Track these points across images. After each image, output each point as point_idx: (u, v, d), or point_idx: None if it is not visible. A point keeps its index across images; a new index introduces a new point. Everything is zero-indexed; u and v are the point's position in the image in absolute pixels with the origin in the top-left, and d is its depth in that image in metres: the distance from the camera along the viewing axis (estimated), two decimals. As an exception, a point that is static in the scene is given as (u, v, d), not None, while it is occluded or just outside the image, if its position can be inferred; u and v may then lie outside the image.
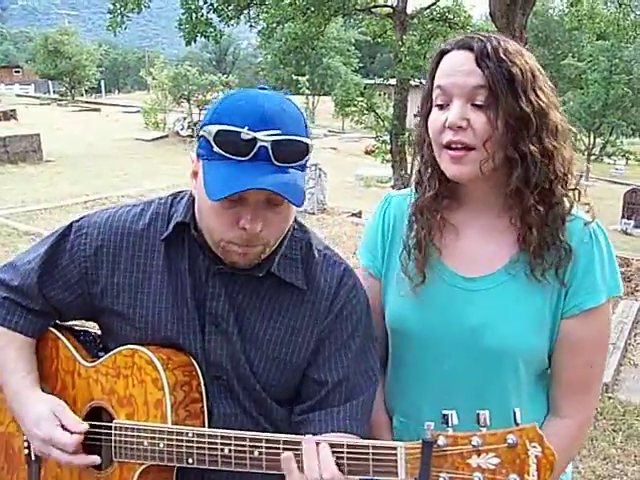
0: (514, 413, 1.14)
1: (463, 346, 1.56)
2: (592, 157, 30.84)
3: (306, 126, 1.40)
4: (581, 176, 1.58)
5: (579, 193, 1.54)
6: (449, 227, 1.60)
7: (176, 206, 1.54)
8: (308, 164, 1.42)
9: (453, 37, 1.55)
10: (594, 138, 31.91)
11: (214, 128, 1.33)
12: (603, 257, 1.52)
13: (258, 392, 1.51)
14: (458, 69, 1.46)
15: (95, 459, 1.45)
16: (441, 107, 1.49)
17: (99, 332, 1.66)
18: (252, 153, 1.30)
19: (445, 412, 1.17)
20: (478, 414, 1.15)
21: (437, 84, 1.50)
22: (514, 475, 1.12)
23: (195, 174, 1.42)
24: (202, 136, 1.37)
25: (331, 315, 1.52)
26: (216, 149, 1.33)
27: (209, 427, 1.47)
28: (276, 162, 1.31)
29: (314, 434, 1.41)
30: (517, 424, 1.13)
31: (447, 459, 1.16)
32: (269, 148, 1.30)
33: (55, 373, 1.60)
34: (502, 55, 1.44)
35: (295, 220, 1.56)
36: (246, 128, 1.30)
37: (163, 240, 1.51)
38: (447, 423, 1.17)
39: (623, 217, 15.39)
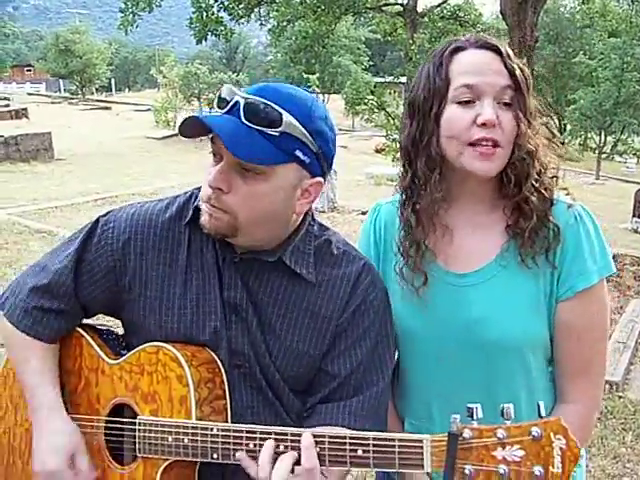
0: (538, 406, 1.15)
1: (464, 343, 1.58)
2: (603, 156, 30.66)
3: (310, 119, 1.40)
4: (558, 169, 1.62)
5: (556, 179, 1.59)
6: (445, 229, 1.62)
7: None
8: (300, 156, 1.40)
9: (463, 35, 1.57)
10: (605, 136, 31.73)
11: None
12: (590, 237, 1.54)
13: (277, 381, 1.52)
14: (488, 68, 1.50)
15: None
16: (462, 104, 1.50)
17: (122, 331, 1.67)
18: (228, 107, 1.39)
19: (470, 405, 1.18)
20: (502, 407, 1.16)
21: (464, 82, 1.50)
22: (538, 467, 1.13)
23: None
24: None
25: (349, 310, 1.53)
26: (214, 108, 1.43)
27: (232, 420, 1.48)
28: (245, 120, 1.36)
29: (315, 426, 1.45)
30: (541, 417, 1.14)
31: (472, 452, 1.17)
32: (241, 105, 1.36)
33: (79, 371, 1.61)
34: (515, 58, 1.52)
35: (313, 218, 1.58)
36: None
37: (186, 226, 1.53)
38: (472, 416, 1.18)
39: (634, 216, 15.28)
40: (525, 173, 1.52)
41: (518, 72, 1.50)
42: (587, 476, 3.83)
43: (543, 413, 1.14)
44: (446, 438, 1.19)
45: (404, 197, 1.63)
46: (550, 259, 1.53)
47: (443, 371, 1.62)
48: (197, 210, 1.50)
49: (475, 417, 1.18)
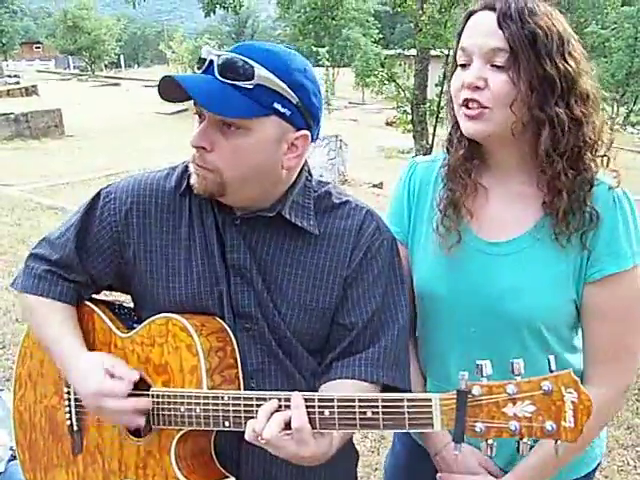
0: (549, 361, 1.14)
1: (488, 311, 1.57)
2: (615, 126, 30.37)
3: (287, 71, 1.40)
4: (611, 143, 1.55)
5: (608, 160, 1.53)
6: (480, 189, 1.60)
7: None
8: (279, 108, 1.39)
9: (473, 4, 1.54)
10: (617, 107, 31.41)
11: None
12: (628, 222, 1.50)
13: (289, 340, 1.51)
14: (480, 30, 1.47)
15: (147, 403, 1.45)
16: (463, 67, 1.50)
17: (132, 305, 1.68)
18: (204, 66, 1.40)
19: (478, 362, 1.18)
20: (512, 363, 1.16)
21: (460, 46, 1.51)
22: (550, 422, 1.12)
23: None
24: None
25: (356, 259, 1.52)
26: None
27: (243, 384, 1.48)
28: (219, 76, 1.36)
29: (332, 380, 1.47)
30: (551, 371, 1.13)
31: (482, 409, 1.17)
32: (215, 62, 1.37)
33: (92, 345, 1.62)
34: (526, 16, 1.43)
35: (310, 173, 1.58)
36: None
37: (185, 194, 1.53)
38: (481, 373, 1.17)
39: (647, 187, 15.20)
40: (548, 146, 1.47)
41: (515, 31, 1.42)
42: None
43: (554, 367, 1.13)
44: (455, 396, 1.19)
45: (444, 156, 1.66)
46: (584, 241, 1.50)
47: (464, 337, 1.61)
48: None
49: (484, 374, 1.17)
